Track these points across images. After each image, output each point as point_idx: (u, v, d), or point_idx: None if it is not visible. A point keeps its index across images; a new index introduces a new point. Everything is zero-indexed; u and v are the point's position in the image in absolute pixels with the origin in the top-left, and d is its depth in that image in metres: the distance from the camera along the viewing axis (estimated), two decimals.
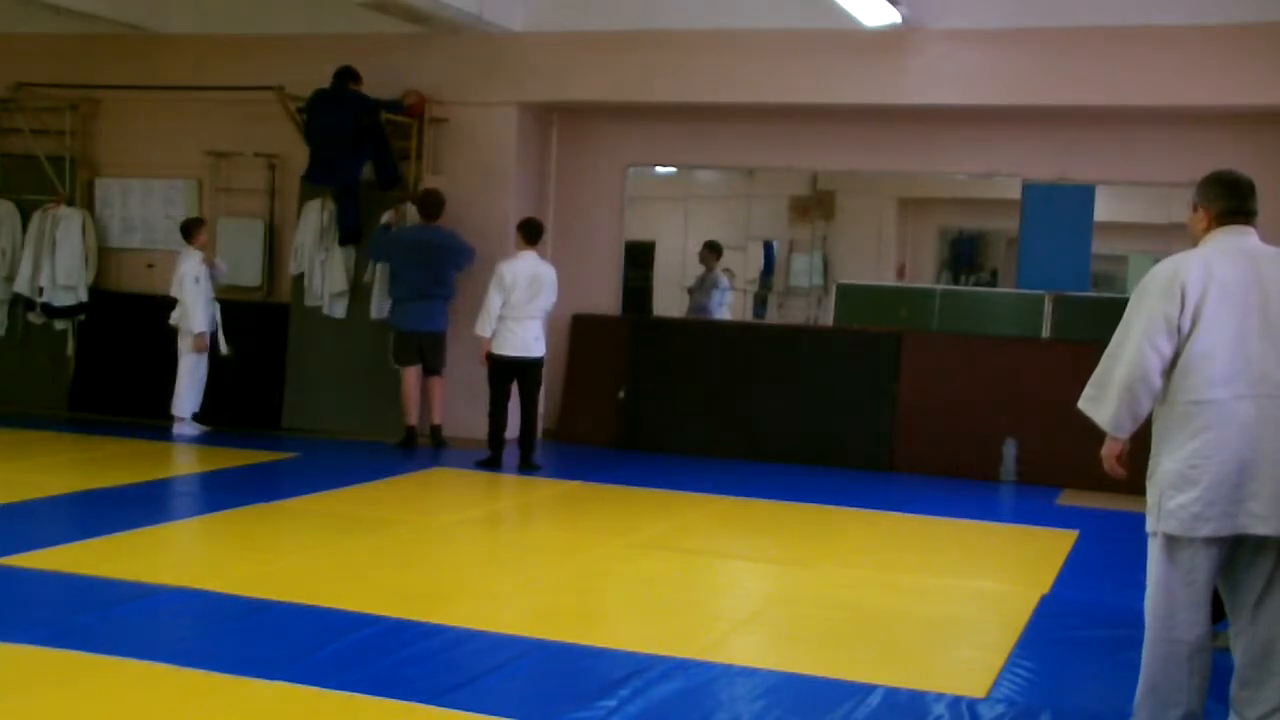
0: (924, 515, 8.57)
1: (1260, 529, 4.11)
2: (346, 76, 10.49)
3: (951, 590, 6.62)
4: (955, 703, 4.75)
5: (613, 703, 4.56)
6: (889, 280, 11.16)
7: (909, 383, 10.35)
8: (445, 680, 4.74)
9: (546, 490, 9.11)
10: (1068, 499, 9.30)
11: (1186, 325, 4.12)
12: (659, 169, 11.60)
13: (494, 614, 5.72)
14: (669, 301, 11.59)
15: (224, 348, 10.70)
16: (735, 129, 10.94)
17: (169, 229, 11.14)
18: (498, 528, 8.02)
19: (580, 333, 11.29)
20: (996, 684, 5.00)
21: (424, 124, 10.83)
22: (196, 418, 10.71)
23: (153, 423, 10.81)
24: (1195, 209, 4.36)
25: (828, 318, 11.04)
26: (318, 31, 11.04)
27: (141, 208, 11.70)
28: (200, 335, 10.50)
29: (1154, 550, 4.26)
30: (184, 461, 9.80)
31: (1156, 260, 4.37)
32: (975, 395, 10.14)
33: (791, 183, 11.28)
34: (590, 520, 8.12)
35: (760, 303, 11.58)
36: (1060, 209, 10.22)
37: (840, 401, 10.53)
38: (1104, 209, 10.25)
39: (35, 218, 11.43)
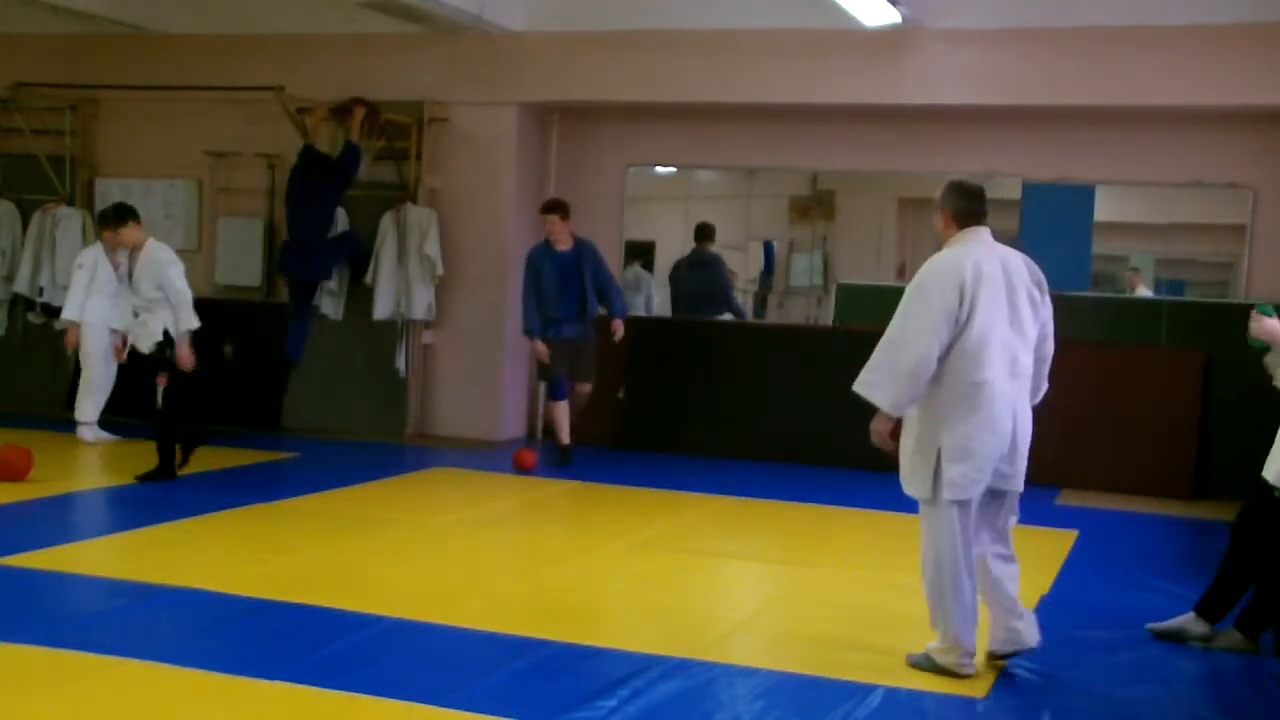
0: None
1: (1009, 485, 5.00)
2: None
3: None
4: (955, 703, 4.75)
5: (613, 703, 4.57)
6: (889, 280, 11.14)
7: None
8: (445, 680, 4.74)
9: (547, 490, 9.10)
10: (1068, 499, 9.30)
11: (964, 316, 4.85)
12: (659, 169, 11.60)
13: (494, 614, 5.72)
14: (669, 301, 11.59)
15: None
16: (735, 129, 10.94)
17: (169, 229, 11.13)
18: (498, 528, 8.01)
19: None
20: (996, 684, 5.00)
21: (424, 124, 10.84)
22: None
23: (150, 422, 10.75)
24: (939, 212, 5.20)
25: (828, 318, 11.03)
26: (318, 31, 11.05)
27: (141, 208, 11.57)
28: (74, 327, 9.96)
29: (938, 514, 4.92)
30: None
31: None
32: None
33: (791, 183, 11.27)
34: (591, 520, 8.12)
35: (760, 303, 11.57)
36: (1060, 209, 10.20)
37: (840, 401, 10.45)
38: (1104, 209, 10.23)
39: (35, 218, 11.44)
